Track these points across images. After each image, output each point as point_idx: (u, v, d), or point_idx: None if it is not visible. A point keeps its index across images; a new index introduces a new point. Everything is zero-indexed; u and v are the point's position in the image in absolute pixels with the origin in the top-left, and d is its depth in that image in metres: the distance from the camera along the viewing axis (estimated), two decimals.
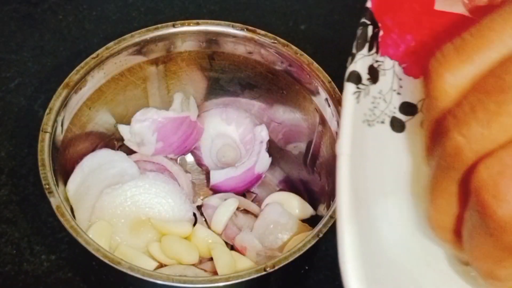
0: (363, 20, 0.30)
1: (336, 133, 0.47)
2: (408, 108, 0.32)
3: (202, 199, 0.54)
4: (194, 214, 0.51)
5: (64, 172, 0.48)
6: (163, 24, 0.50)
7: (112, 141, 0.54)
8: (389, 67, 0.31)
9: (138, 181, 0.49)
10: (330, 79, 0.48)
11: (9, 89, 0.65)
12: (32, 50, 0.68)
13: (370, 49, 0.31)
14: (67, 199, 0.48)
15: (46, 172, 0.43)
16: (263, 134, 0.54)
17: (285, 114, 0.53)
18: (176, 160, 0.55)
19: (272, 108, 0.54)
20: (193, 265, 0.48)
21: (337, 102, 0.47)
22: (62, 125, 0.47)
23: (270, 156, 0.54)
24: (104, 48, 0.49)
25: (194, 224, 0.50)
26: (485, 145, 0.24)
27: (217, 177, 0.54)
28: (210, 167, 0.55)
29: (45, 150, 0.44)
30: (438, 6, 0.31)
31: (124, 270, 0.39)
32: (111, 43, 0.49)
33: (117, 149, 0.54)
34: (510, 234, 0.23)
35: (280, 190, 0.56)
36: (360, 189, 0.28)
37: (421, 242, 0.31)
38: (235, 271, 0.45)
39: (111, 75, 0.50)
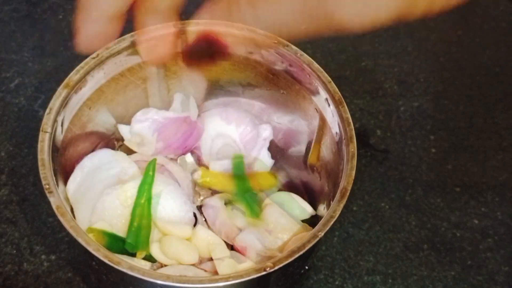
0: None
1: (336, 133, 0.47)
2: None
3: (202, 199, 0.54)
4: (195, 214, 0.51)
5: (64, 172, 0.48)
6: (163, 24, 0.50)
7: (112, 141, 0.54)
8: None
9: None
10: (330, 79, 0.48)
11: (9, 89, 0.65)
12: (32, 50, 0.68)
13: None
14: (67, 199, 0.48)
15: (46, 172, 0.43)
16: (267, 132, 0.54)
17: (285, 114, 0.53)
18: (176, 160, 0.55)
19: (272, 108, 0.54)
20: (193, 265, 0.48)
21: (337, 102, 0.47)
22: (62, 125, 0.47)
23: (271, 158, 0.54)
24: (104, 48, 0.49)
25: (195, 225, 0.50)
26: None
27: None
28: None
29: (45, 150, 0.44)
30: None
31: (124, 270, 0.39)
32: (111, 43, 0.49)
33: (117, 149, 0.54)
34: None
35: (280, 190, 0.56)
36: None
37: None
38: (235, 271, 0.45)
39: (111, 75, 0.50)
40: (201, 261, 0.49)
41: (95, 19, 0.38)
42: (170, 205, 0.49)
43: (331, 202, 0.44)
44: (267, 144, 0.54)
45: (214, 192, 0.54)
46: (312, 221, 0.51)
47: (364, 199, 0.59)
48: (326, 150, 0.50)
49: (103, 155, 0.51)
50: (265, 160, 0.54)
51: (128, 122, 0.53)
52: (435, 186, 0.61)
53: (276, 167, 0.56)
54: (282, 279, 0.45)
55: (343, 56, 0.69)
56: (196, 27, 0.49)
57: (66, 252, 0.54)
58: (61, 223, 0.41)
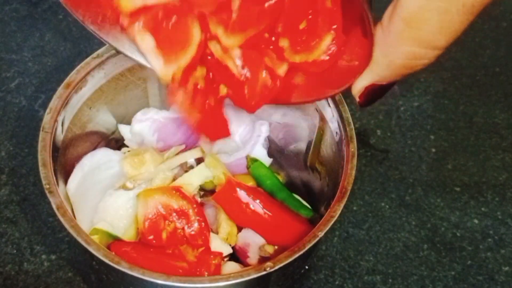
0: None
1: (336, 132, 0.47)
2: None
3: (202, 199, 0.54)
4: None
5: (64, 171, 0.48)
6: None
7: (112, 141, 0.54)
8: None
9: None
10: None
11: (9, 89, 0.65)
12: (33, 50, 0.68)
13: None
14: (67, 199, 0.48)
15: (47, 172, 0.43)
16: (262, 128, 0.54)
17: (285, 114, 0.53)
18: None
19: (273, 108, 0.54)
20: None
21: (337, 102, 0.47)
22: (62, 125, 0.47)
23: (271, 157, 0.54)
24: (104, 48, 0.49)
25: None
26: None
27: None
28: None
29: (45, 150, 0.44)
30: None
31: (124, 269, 0.39)
32: None
33: (118, 149, 0.54)
34: None
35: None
36: None
37: None
38: (236, 270, 0.45)
39: (112, 75, 0.50)
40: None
41: None
42: None
43: (331, 202, 0.44)
44: (262, 141, 0.54)
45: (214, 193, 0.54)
46: (312, 221, 0.51)
47: (364, 199, 0.59)
48: (326, 150, 0.50)
49: (102, 155, 0.51)
50: (260, 156, 0.54)
51: (128, 122, 0.53)
52: (435, 186, 0.61)
53: (276, 167, 0.56)
54: (282, 279, 0.45)
55: None
56: None
57: (66, 252, 0.54)
58: (62, 223, 0.41)
